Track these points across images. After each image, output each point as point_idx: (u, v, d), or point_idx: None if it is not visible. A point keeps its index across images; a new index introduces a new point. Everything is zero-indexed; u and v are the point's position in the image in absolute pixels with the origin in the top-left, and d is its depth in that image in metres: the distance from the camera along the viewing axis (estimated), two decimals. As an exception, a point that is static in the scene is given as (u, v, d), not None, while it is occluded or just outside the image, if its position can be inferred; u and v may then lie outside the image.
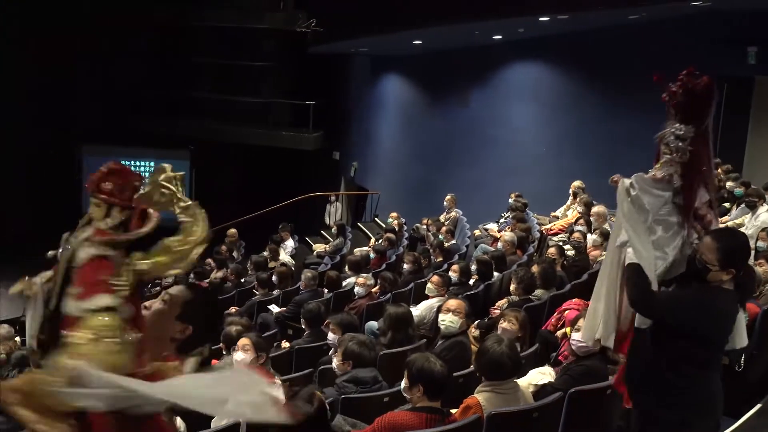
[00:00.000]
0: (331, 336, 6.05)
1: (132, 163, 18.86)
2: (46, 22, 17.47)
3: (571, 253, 8.50)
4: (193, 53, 18.57)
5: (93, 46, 18.24)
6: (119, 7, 17.83)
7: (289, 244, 13.46)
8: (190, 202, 2.89)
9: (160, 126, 18.86)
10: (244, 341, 4.80)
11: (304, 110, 17.89)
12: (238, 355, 4.75)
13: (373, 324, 7.06)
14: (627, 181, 3.49)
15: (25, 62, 17.41)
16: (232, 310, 9.21)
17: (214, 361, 5.45)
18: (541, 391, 4.34)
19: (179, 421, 4.16)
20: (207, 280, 11.42)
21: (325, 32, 15.74)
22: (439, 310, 6.72)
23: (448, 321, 5.52)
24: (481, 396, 3.92)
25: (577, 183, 11.06)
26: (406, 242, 12.32)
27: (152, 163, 18.89)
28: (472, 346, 5.55)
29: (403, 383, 3.88)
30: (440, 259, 9.91)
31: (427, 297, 7.39)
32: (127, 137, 18.77)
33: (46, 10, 17.37)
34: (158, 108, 18.84)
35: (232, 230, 14.29)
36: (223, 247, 13.74)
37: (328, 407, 3.41)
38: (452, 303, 5.66)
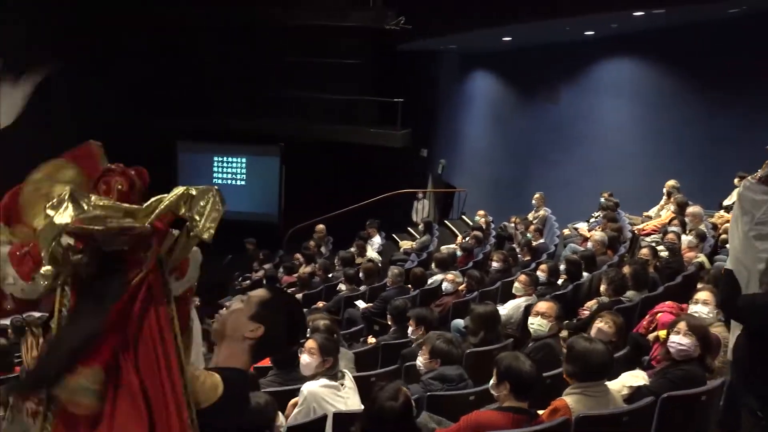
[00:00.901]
0: (410, 330, 6.08)
1: (225, 159, 19.42)
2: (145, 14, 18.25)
3: (664, 254, 8.25)
4: (283, 52, 18.86)
5: (186, 46, 18.80)
6: (208, 6, 18.33)
7: (376, 240, 13.54)
8: None
9: (251, 124, 19.27)
10: (309, 344, 4.71)
11: (392, 107, 17.94)
12: (304, 358, 4.68)
13: (459, 322, 7.03)
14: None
15: (128, 56, 18.18)
16: (320, 305, 9.33)
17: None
18: (635, 394, 4.23)
19: (281, 418, 4.18)
20: (296, 275, 11.61)
21: (413, 29, 15.75)
22: (527, 310, 6.66)
23: (536, 324, 5.44)
24: (569, 398, 3.85)
25: (671, 182, 10.73)
26: (493, 240, 12.23)
27: (244, 160, 19.35)
28: (563, 349, 5.46)
29: (492, 380, 3.85)
30: (528, 258, 9.80)
31: (514, 296, 7.32)
32: (220, 135, 19.28)
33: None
34: (250, 106, 19.24)
35: (321, 226, 14.49)
36: (312, 243, 13.96)
37: (413, 403, 3.41)
38: (542, 306, 5.56)
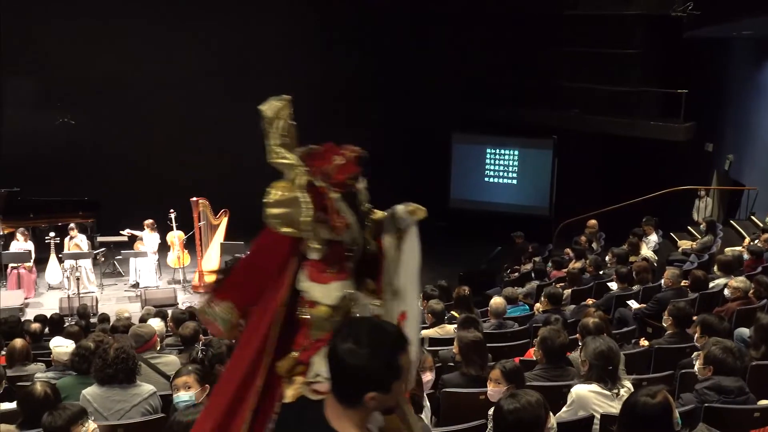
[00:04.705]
0: (695, 337, 5.73)
1: (497, 151, 19.59)
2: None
3: None
4: (560, 41, 18.57)
5: (464, 37, 19.20)
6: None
7: (652, 238, 12.95)
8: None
9: (524, 115, 19.22)
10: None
11: (675, 99, 16.96)
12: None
13: (743, 331, 6.50)
14: None
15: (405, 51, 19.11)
16: (589, 302, 9.11)
17: (567, 353, 5.43)
18: None
19: (552, 419, 4.09)
20: (565, 270, 11.44)
21: (702, 15, 14.74)
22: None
23: None
24: None
25: None
26: (787, 244, 11.14)
27: (516, 153, 19.37)
28: None
29: None
30: (829, 265, 8.81)
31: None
32: (493, 126, 19.47)
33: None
34: (524, 97, 19.19)
35: (593, 221, 14.17)
36: (583, 238, 13.69)
37: (673, 405, 3.17)
38: None
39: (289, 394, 2.45)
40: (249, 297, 2.61)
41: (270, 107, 2.54)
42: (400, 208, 2.62)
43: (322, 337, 2.46)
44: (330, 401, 2.10)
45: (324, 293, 2.50)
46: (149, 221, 14.35)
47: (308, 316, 2.52)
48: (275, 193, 2.52)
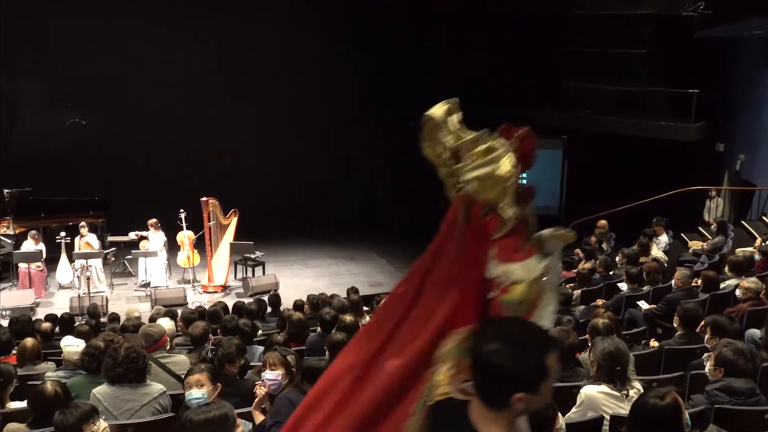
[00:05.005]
0: (705, 338, 5.70)
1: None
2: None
3: None
4: (569, 42, 18.52)
5: (464, 37, 19.18)
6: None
7: (663, 239, 12.90)
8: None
9: (534, 115, 19.16)
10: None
11: (686, 99, 16.89)
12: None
13: (755, 332, 6.47)
14: None
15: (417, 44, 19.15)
16: (599, 302, 9.08)
17: (577, 354, 5.42)
18: None
19: (561, 420, 4.06)
20: (575, 270, 11.40)
21: (713, 15, 14.68)
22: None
23: None
24: None
25: None
26: (799, 245, 11.08)
27: (525, 152, 19.26)
28: None
29: None
30: (841, 266, 8.76)
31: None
32: (494, 126, 19.40)
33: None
34: (533, 97, 19.15)
35: (603, 221, 14.11)
36: (593, 238, 13.64)
37: (682, 407, 3.16)
38: None
39: (437, 393, 2.37)
40: (478, 302, 2.32)
41: (438, 108, 2.54)
42: (548, 233, 2.54)
43: None
44: (475, 403, 2.02)
45: (525, 270, 2.29)
46: (153, 220, 14.39)
47: (502, 303, 2.26)
48: (471, 157, 2.44)
